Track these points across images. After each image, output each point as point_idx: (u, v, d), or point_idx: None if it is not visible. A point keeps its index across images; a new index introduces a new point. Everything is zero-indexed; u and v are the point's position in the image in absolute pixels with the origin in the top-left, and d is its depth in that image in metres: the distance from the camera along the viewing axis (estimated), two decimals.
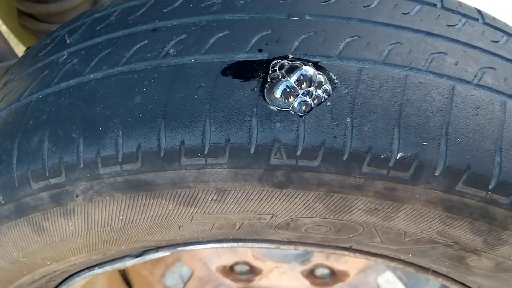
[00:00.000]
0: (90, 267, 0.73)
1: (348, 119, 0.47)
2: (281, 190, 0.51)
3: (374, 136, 0.47)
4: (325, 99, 0.48)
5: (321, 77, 0.48)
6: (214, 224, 0.58)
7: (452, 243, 0.55)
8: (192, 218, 0.56)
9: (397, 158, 0.47)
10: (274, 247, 0.66)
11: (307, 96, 0.47)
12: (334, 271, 1.23)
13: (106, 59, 0.56)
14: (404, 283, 1.20)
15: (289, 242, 0.65)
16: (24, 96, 0.59)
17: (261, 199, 0.52)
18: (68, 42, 0.63)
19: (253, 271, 1.26)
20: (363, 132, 0.47)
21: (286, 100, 0.47)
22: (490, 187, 0.48)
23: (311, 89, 0.47)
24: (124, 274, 1.20)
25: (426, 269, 0.66)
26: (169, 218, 0.56)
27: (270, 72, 0.49)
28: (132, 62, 0.54)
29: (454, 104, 0.49)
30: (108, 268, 0.72)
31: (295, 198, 0.51)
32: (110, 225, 0.58)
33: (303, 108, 0.47)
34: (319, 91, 0.47)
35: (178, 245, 0.67)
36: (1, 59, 1.17)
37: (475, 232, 0.52)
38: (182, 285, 1.30)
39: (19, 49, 1.50)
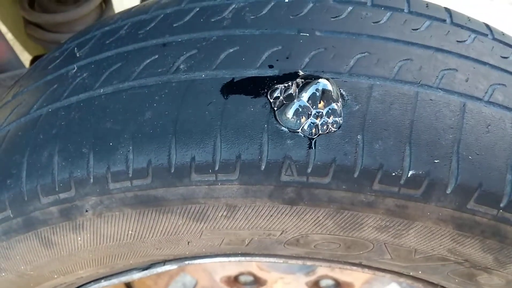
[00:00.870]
0: (97, 280, 0.73)
1: (359, 136, 0.47)
2: (291, 207, 0.51)
3: (385, 154, 0.47)
4: (332, 131, 0.47)
5: (335, 106, 0.47)
6: (223, 240, 0.58)
7: (463, 261, 0.55)
8: (202, 233, 0.56)
9: (408, 175, 0.47)
10: (282, 261, 0.65)
11: (318, 118, 0.47)
12: (339, 283, 1.22)
13: (116, 74, 0.56)
14: None
15: (298, 257, 0.64)
16: (33, 110, 0.59)
17: (271, 216, 0.52)
18: (77, 55, 0.63)
19: (257, 282, 1.25)
20: (374, 149, 0.47)
21: (298, 121, 0.47)
22: (501, 205, 0.48)
23: (324, 111, 0.47)
24: (128, 284, 1.19)
25: (435, 285, 0.65)
26: (178, 234, 0.56)
27: (280, 93, 0.49)
28: (142, 77, 0.54)
29: (465, 122, 0.49)
30: (114, 281, 0.71)
31: (306, 214, 0.51)
32: (119, 240, 0.57)
33: (313, 130, 0.47)
34: (330, 120, 0.47)
35: (186, 258, 0.67)
36: (8, 68, 1.17)
37: (486, 250, 0.52)
38: None
39: (24, 57, 1.51)
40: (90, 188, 0.51)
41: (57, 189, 0.52)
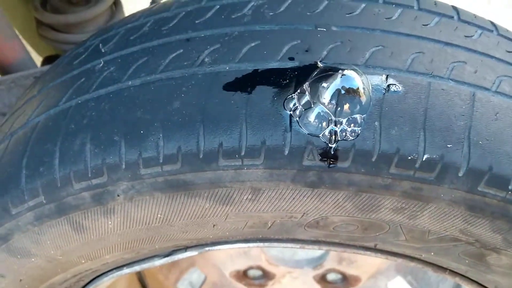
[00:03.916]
0: (119, 267, 0.75)
1: (376, 123, 0.50)
2: (312, 190, 0.54)
3: (401, 139, 0.50)
4: (349, 140, 0.49)
5: (357, 117, 0.49)
6: (247, 223, 0.61)
7: (474, 241, 0.58)
8: (227, 216, 0.59)
9: (423, 159, 0.50)
10: (299, 247, 0.68)
11: (337, 125, 0.49)
12: (346, 276, 1.25)
13: (143, 67, 0.58)
14: (414, 287, 1.23)
15: (314, 242, 0.67)
16: (62, 102, 0.62)
17: (294, 198, 0.55)
18: (103, 51, 0.66)
19: (266, 276, 1.28)
20: (391, 135, 0.50)
21: (320, 125, 0.49)
22: (510, 187, 0.51)
23: (344, 120, 0.49)
24: (140, 278, 1.22)
25: (444, 269, 0.68)
26: (205, 217, 0.59)
27: (297, 102, 0.50)
28: (169, 70, 0.57)
29: (475, 110, 0.52)
30: (136, 267, 0.74)
31: (326, 197, 0.54)
32: (148, 224, 0.60)
33: (333, 137, 0.50)
34: (349, 129, 0.49)
35: (206, 244, 0.70)
36: (21, 68, 1.20)
37: (496, 230, 0.55)
38: None
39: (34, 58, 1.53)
40: (122, 174, 0.54)
41: (89, 175, 0.55)
